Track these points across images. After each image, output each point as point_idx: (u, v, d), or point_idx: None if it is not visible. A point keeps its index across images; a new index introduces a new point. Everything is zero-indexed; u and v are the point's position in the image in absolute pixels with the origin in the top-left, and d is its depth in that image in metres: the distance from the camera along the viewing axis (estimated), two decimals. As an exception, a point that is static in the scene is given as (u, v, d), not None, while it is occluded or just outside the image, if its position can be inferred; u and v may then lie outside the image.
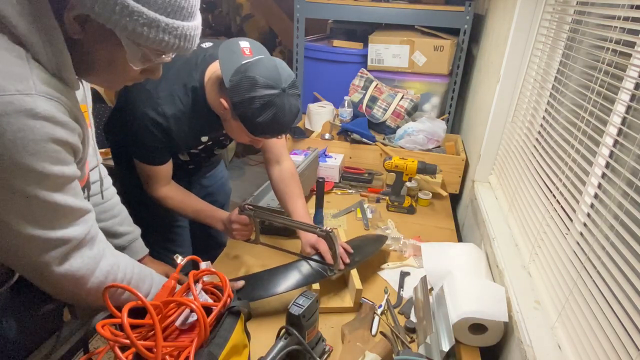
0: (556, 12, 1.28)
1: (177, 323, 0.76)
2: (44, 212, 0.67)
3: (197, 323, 0.73)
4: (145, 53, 0.69)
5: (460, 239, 1.62)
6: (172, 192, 1.25)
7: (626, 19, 0.88)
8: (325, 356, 1.01)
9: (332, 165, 1.85)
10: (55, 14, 0.64)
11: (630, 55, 0.86)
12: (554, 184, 1.10)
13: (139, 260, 1.14)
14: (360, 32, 2.54)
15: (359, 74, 2.23)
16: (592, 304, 0.81)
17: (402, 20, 2.17)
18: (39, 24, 0.62)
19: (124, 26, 0.63)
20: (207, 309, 0.79)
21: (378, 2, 2.26)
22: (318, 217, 1.42)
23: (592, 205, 0.94)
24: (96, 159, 1.03)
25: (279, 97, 1.01)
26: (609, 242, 0.81)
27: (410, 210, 1.68)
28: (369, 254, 1.29)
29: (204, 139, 1.25)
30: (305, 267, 1.18)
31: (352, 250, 1.23)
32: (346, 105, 2.16)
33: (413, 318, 1.13)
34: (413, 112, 2.14)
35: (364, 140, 1.94)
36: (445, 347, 0.93)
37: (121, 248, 1.10)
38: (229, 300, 0.82)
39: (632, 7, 0.87)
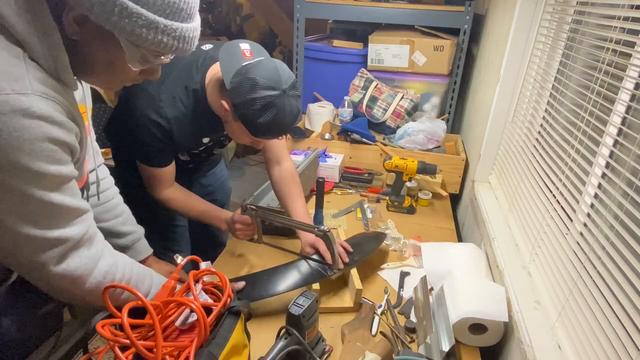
0: (556, 12, 1.28)
1: (177, 323, 0.76)
2: (41, 212, 0.67)
3: (197, 323, 0.73)
4: (144, 54, 0.69)
5: (460, 239, 1.62)
6: (175, 194, 1.26)
7: (626, 19, 0.88)
8: (325, 356, 1.01)
9: (332, 165, 1.85)
10: (53, 15, 0.64)
11: (630, 55, 0.86)
12: (554, 184, 1.10)
13: (143, 260, 1.15)
14: (360, 32, 2.54)
15: (359, 74, 2.23)
16: (592, 304, 0.81)
17: (402, 20, 2.17)
18: (36, 24, 0.62)
19: (122, 27, 0.63)
20: (207, 309, 0.79)
21: (378, 2, 2.26)
22: (318, 217, 1.42)
23: (592, 205, 0.94)
24: (97, 160, 1.03)
25: (280, 98, 1.01)
26: (609, 242, 0.81)
27: (410, 210, 1.68)
28: (369, 252, 1.29)
29: (205, 140, 1.26)
30: (305, 267, 1.19)
31: (351, 249, 1.23)
32: (346, 105, 2.16)
33: (413, 318, 1.13)
34: (413, 112, 2.14)
35: (364, 140, 1.94)
36: (445, 347, 0.93)
37: (124, 248, 1.10)
38: (229, 300, 0.82)
39: (632, 7, 0.87)
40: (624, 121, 0.88)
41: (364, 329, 1.06)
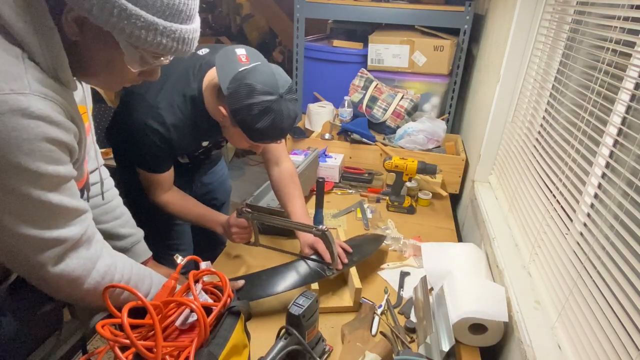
0: (556, 12, 1.28)
1: (177, 323, 0.76)
2: (39, 212, 0.67)
3: (197, 323, 0.73)
4: (143, 55, 0.69)
5: (460, 239, 1.62)
6: (173, 198, 1.26)
7: (626, 19, 0.88)
8: (325, 356, 1.01)
9: (332, 165, 1.85)
10: (53, 16, 0.64)
11: (630, 55, 0.86)
12: (554, 184, 1.10)
13: (143, 264, 1.14)
14: (360, 32, 2.54)
15: (359, 74, 2.23)
16: (592, 304, 0.81)
17: (402, 20, 2.17)
18: (35, 24, 0.62)
19: (121, 29, 0.63)
20: (207, 309, 0.79)
21: (378, 2, 2.26)
22: (318, 217, 1.42)
23: (592, 205, 0.94)
24: (97, 161, 1.03)
25: (277, 103, 1.02)
26: (609, 242, 0.81)
27: (410, 210, 1.68)
28: (368, 253, 1.29)
29: (205, 143, 1.27)
30: (304, 267, 1.19)
31: (350, 250, 1.24)
32: (346, 105, 2.16)
33: (413, 318, 1.13)
34: (413, 112, 2.14)
35: (364, 140, 1.94)
36: (445, 347, 0.93)
37: (123, 250, 1.09)
38: (229, 300, 0.82)
39: (632, 7, 0.87)
40: (624, 121, 0.88)
41: (364, 329, 1.06)
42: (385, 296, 1.21)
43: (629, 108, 0.89)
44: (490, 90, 1.64)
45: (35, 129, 0.61)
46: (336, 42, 2.39)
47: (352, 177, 1.89)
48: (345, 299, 1.19)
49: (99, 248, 0.78)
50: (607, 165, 0.92)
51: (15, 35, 0.61)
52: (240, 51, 1.08)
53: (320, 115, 2.17)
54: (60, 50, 0.65)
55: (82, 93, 0.86)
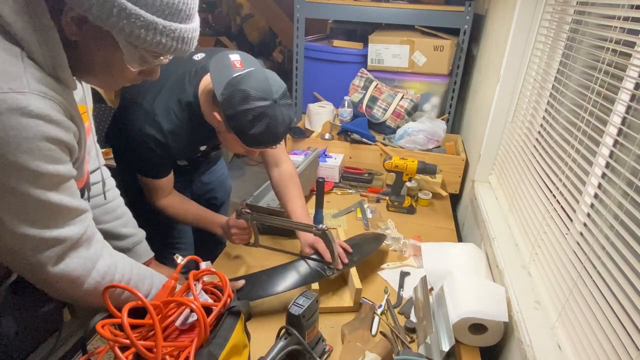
0: (556, 12, 1.28)
1: (177, 323, 0.76)
2: (39, 211, 0.67)
3: (197, 323, 0.73)
4: (142, 55, 0.69)
5: (460, 239, 1.62)
6: (172, 201, 1.27)
7: (626, 19, 0.88)
8: (325, 356, 1.01)
9: (332, 165, 1.85)
10: (52, 15, 0.64)
11: (630, 55, 0.86)
12: (554, 184, 1.10)
13: (145, 264, 1.14)
14: (360, 32, 2.54)
15: (359, 74, 2.23)
16: (592, 304, 0.81)
17: (402, 20, 2.17)
18: (35, 23, 0.62)
19: (121, 28, 0.63)
20: (207, 309, 0.79)
21: (378, 2, 2.26)
22: (318, 217, 1.42)
23: (592, 205, 0.94)
24: (98, 161, 1.03)
25: (271, 108, 1.02)
26: (609, 242, 0.81)
27: (410, 210, 1.68)
28: (368, 253, 1.29)
29: (202, 147, 1.28)
30: (304, 267, 1.19)
31: (351, 250, 1.24)
32: (346, 105, 2.16)
33: (413, 318, 1.13)
34: (413, 112, 2.14)
35: (364, 140, 1.94)
36: (445, 347, 0.93)
37: (124, 250, 1.09)
38: (229, 300, 0.82)
39: (632, 7, 0.87)
40: (624, 121, 0.88)
41: (364, 329, 1.06)
42: (385, 296, 1.21)
43: (629, 108, 0.89)
44: (490, 90, 1.64)
45: (34, 128, 0.61)
46: (336, 42, 2.39)
47: (352, 177, 1.89)
48: (345, 299, 1.19)
49: (99, 248, 0.78)
50: (607, 165, 0.92)
51: (15, 34, 0.61)
52: (235, 57, 1.08)
53: (320, 115, 2.17)
54: (59, 49, 0.65)
55: (82, 92, 0.86)
